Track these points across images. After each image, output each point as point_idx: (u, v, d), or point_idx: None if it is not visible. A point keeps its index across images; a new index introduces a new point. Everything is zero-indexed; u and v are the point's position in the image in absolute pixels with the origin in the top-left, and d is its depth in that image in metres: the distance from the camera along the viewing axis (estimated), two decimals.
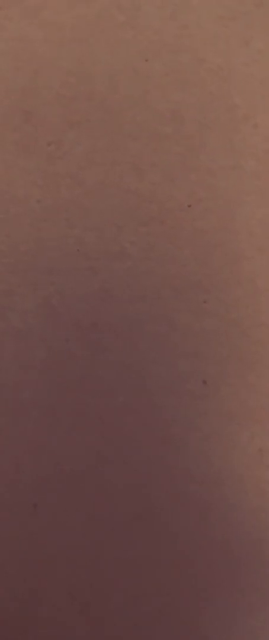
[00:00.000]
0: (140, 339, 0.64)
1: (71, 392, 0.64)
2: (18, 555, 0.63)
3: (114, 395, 0.64)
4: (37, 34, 0.63)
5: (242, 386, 0.64)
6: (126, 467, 0.64)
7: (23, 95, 0.63)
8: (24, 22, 0.63)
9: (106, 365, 0.64)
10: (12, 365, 0.63)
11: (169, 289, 0.64)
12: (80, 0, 0.64)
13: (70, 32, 0.64)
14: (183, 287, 0.64)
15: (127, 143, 0.64)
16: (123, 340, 0.64)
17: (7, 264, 0.63)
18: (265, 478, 0.64)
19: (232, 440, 0.64)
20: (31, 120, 0.63)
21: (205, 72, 0.65)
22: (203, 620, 0.64)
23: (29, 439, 0.63)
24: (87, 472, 0.63)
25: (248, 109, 0.65)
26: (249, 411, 0.64)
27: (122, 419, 0.64)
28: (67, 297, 0.63)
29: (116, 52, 0.64)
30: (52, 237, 0.63)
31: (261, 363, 0.64)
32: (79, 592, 0.63)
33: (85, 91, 0.64)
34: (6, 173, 0.63)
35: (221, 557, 0.64)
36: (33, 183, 0.63)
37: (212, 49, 0.65)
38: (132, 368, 0.64)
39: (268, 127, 0.65)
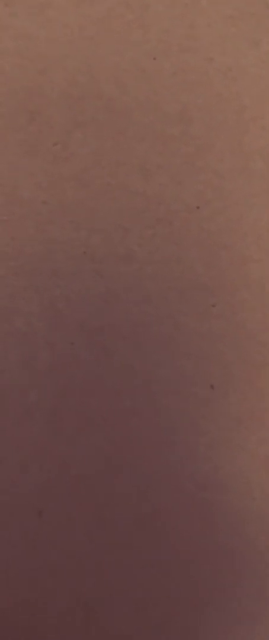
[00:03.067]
0: (146, 342, 0.63)
1: (76, 396, 0.62)
2: (22, 561, 0.61)
3: (120, 399, 0.62)
4: (42, 32, 0.61)
5: (250, 390, 0.63)
6: (131, 471, 0.62)
7: (28, 95, 0.61)
8: (30, 20, 0.61)
9: (112, 368, 0.63)
10: (17, 368, 0.62)
11: (176, 291, 0.63)
12: None
13: (76, 31, 0.62)
14: (190, 290, 0.63)
15: (134, 144, 0.63)
16: (129, 343, 0.63)
17: (12, 266, 0.61)
18: None
19: (239, 445, 0.63)
20: (36, 121, 0.61)
21: (213, 73, 0.63)
22: (207, 626, 0.63)
23: (34, 442, 0.62)
24: (92, 477, 0.62)
25: (256, 110, 0.64)
26: (257, 416, 0.63)
27: (128, 422, 0.63)
28: (73, 299, 0.62)
29: (124, 51, 0.62)
30: (57, 240, 0.62)
31: None
32: (83, 597, 0.62)
33: (91, 91, 0.62)
34: (11, 174, 0.61)
35: (227, 563, 0.63)
36: (38, 184, 0.61)
37: (221, 49, 0.63)
38: (138, 371, 0.63)
39: None
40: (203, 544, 0.62)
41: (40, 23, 0.61)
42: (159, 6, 0.62)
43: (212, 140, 0.63)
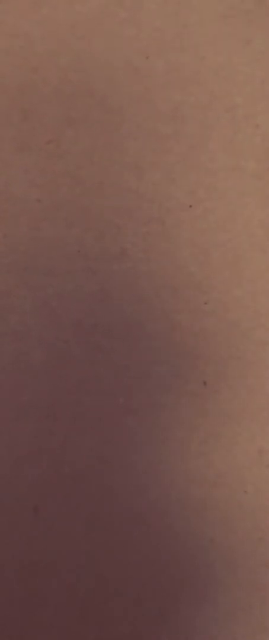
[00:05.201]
0: (140, 340, 0.62)
1: (71, 394, 0.61)
2: (18, 557, 0.61)
3: (114, 396, 0.62)
4: (35, 30, 0.60)
5: (242, 387, 0.63)
6: (126, 468, 0.62)
7: (21, 93, 0.60)
8: (23, 18, 0.60)
9: (106, 366, 0.62)
10: (11, 366, 0.60)
11: (169, 289, 0.62)
12: None
13: (69, 29, 0.61)
14: (183, 288, 0.62)
15: (127, 142, 0.62)
16: (123, 341, 0.62)
17: (6, 264, 0.60)
18: (265, 478, 0.63)
19: (232, 440, 0.63)
20: (30, 118, 0.60)
21: (206, 71, 0.63)
22: (202, 618, 0.63)
23: (29, 441, 0.61)
24: (87, 474, 0.61)
25: (248, 109, 0.63)
26: (249, 412, 0.63)
27: (122, 420, 0.62)
28: (67, 298, 0.61)
29: (117, 49, 0.61)
30: (51, 237, 0.61)
31: (261, 364, 0.63)
32: (79, 592, 0.61)
33: (84, 89, 0.61)
34: (4, 172, 0.60)
35: (221, 556, 0.62)
36: (32, 182, 0.60)
37: (213, 48, 0.62)
38: (132, 369, 0.62)
39: (268, 128, 0.64)
40: (196, 537, 0.62)
41: (33, 21, 0.60)
42: (152, 4, 0.62)
43: (204, 138, 0.63)
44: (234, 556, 0.62)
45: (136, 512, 0.62)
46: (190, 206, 0.62)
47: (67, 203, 0.60)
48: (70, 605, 0.61)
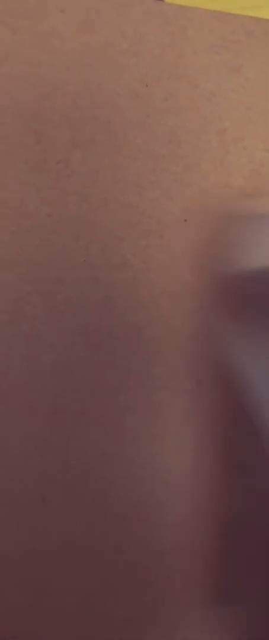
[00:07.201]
0: (139, 343, 0.68)
1: (76, 392, 0.66)
2: (27, 544, 0.65)
3: (115, 395, 0.67)
4: (46, 59, 0.66)
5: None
6: (125, 461, 0.67)
7: (34, 118, 0.66)
8: (35, 48, 0.66)
9: (108, 367, 0.67)
10: (23, 367, 0.65)
11: (166, 296, 0.68)
12: (86, 28, 0.67)
13: (77, 58, 0.67)
14: (179, 295, 0.68)
15: (128, 162, 0.68)
16: (124, 344, 0.67)
17: (20, 273, 0.65)
18: None
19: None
20: (41, 141, 0.66)
21: (199, 98, 0.69)
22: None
23: (38, 436, 0.66)
24: (90, 467, 0.66)
25: (236, 132, 0.70)
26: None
27: (122, 417, 0.67)
28: (73, 304, 0.66)
29: (119, 77, 0.68)
30: (60, 249, 0.66)
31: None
32: (80, 577, 0.66)
33: (90, 114, 0.67)
34: (18, 189, 0.65)
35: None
36: (43, 199, 0.66)
37: (205, 76, 0.69)
38: (132, 370, 0.68)
39: (254, 150, 0.70)
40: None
41: (44, 51, 0.66)
42: (151, 36, 0.68)
43: (197, 159, 0.69)
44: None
45: (134, 502, 0.67)
46: (185, 220, 0.68)
47: (74, 218, 0.66)
48: (72, 590, 0.66)
